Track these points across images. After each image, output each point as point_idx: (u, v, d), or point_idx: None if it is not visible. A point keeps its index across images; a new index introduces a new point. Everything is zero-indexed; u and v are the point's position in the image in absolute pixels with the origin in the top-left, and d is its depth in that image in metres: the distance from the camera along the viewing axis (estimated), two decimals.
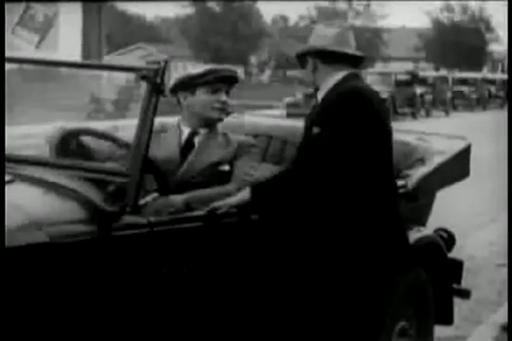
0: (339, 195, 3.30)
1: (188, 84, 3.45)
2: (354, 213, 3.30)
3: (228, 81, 3.50)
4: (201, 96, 3.45)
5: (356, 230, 3.30)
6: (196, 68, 3.52)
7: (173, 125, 3.60)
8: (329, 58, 3.38)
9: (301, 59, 3.45)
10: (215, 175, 3.37)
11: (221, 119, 3.51)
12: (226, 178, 3.37)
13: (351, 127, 3.23)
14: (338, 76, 3.38)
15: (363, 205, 3.31)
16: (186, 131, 3.51)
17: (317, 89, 3.45)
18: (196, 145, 3.47)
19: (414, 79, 30.10)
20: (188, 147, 3.47)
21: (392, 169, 3.47)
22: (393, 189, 3.47)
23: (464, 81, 37.00)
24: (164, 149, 3.44)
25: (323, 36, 3.40)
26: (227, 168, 3.39)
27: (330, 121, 3.25)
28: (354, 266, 3.31)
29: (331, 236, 3.32)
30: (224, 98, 3.47)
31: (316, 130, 3.27)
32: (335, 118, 3.25)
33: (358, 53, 3.44)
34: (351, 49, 3.42)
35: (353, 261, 3.31)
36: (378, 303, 3.40)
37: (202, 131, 3.50)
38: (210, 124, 3.50)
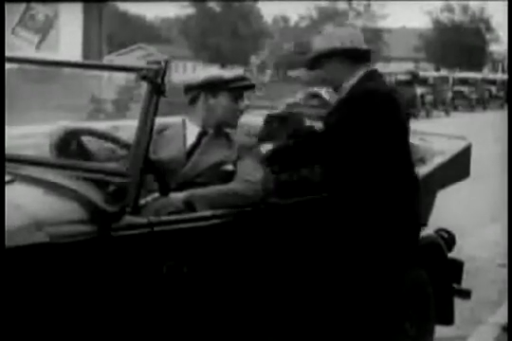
0: (352, 188, 3.40)
1: (215, 86, 3.47)
2: (367, 208, 3.38)
3: (247, 89, 3.56)
4: (223, 100, 3.48)
5: (370, 226, 3.37)
6: (225, 72, 3.54)
7: (174, 124, 3.60)
8: (354, 57, 3.48)
9: (315, 60, 3.53)
10: (218, 175, 3.37)
11: (236, 126, 3.56)
12: (228, 178, 3.37)
13: (358, 125, 3.35)
14: (359, 73, 3.49)
15: (377, 198, 3.37)
16: (195, 130, 3.52)
17: (336, 88, 3.52)
18: (202, 144, 3.48)
19: (415, 79, 30.11)
20: (195, 146, 3.48)
21: (411, 165, 3.50)
22: (411, 184, 3.49)
23: (464, 82, 37.00)
24: (167, 147, 3.45)
25: (339, 36, 3.48)
26: (230, 167, 3.40)
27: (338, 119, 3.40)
28: (364, 262, 3.38)
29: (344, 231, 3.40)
30: (242, 106, 3.53)
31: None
32: (344, 117, 3.38)
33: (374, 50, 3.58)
34: (367, 47, 3.55)
35: (363, 258, 3.38)
36: (391, 300, 3.44)
37: (210, 131, 3.52)
38: (222, 127, 3.52)
